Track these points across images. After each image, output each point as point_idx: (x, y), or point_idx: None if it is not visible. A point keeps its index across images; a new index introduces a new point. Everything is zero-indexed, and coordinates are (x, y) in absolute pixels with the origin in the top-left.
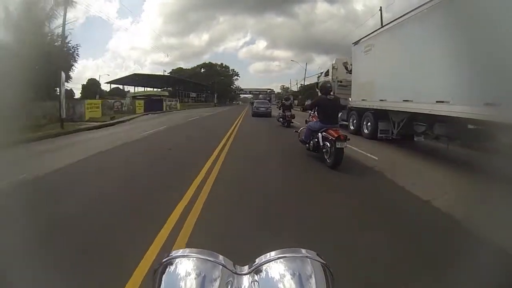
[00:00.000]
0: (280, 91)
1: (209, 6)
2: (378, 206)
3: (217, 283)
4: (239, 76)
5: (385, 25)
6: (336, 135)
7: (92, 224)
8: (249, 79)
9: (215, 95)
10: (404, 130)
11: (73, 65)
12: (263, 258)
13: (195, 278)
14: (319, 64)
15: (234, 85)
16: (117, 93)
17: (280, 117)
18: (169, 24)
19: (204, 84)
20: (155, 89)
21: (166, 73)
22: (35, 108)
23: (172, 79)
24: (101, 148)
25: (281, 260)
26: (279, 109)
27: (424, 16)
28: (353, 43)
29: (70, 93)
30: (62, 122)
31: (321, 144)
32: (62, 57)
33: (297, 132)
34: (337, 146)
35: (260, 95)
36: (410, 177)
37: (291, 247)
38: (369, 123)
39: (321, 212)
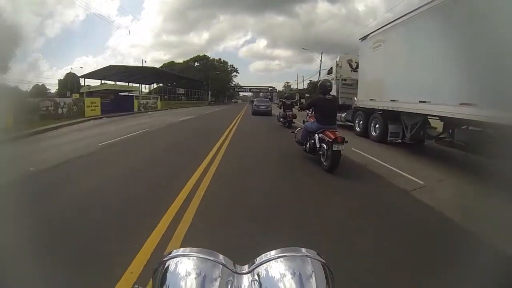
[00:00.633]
0: (282, 89)
1: (209, 4)
2: None
3: (217, 283)
4: (238, 73)
5: (398, 18)
6: (333, 137)
7: None
8: (249, 78)
9: (209, 93)
10: (417, 133)
11: None
12: (263, 257)
13: (195, 278)
14: (318, 64)
15: (233, 82)
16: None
17: (281, 117)
18: (169, 22)
19: (198, 80)
20: (144, 85)
21: (146, 64)
22: None
23: (156, 71)
24: None
25: (281, 259)
26: (280, 108)
27: (446, 7)
28: (360, 39)
29: (42, 89)
30: None
31: (318, 146)
32: None
33: (293, 132)
34: (334, 149)
35: (261, 93)
36: None
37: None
38: (377, 125)
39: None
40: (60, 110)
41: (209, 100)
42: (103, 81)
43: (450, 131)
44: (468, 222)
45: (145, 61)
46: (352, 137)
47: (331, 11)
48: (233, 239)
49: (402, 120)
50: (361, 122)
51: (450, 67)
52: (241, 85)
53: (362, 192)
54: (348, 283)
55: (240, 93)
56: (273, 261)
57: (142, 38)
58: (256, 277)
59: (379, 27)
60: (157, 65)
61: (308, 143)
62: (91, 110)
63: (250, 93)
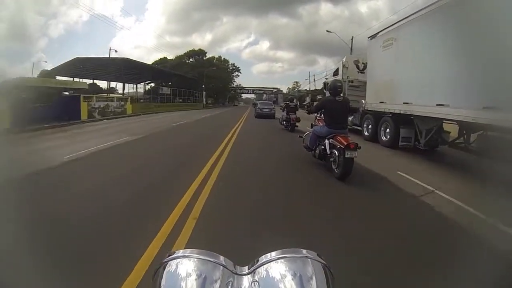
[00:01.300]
0: (287, 90)
1: (212, 6)
2: None
3: (217, 284)
4: (240, 72)
5: (413, 14)
6: (345, 143)
7: None
8: (252, 80)
9: (204, 93)
10: (432, 139)
11: None
12: (263, 258)
13: (195, 279)
14: (322, 67)
15: (234, 83)
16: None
17: (284, 120)
18: (172, 24)
19: (192, 78)
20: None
21: (117, 55)
22: None
23: (132, 64)
24: None
25: (282, 260)
26: (283, 111)
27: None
28: (368, 37)
29: None
30: None
31: (328, 152)
32: None
33: (301, 137)
34: (346, 156)
35: (264, 95)
36: None
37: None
38: (388, 129)
39: None
40: None
41: (204, 102)
42: (75, 79)
43: (466, 136)
44: None
45: (115, 51)
46: (361, 143)
47: (334, 12)
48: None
49: (416, 125)
50: (370, 126)
51: (472, 67)
52: (243, 86)
53: (382, 205)
54: (348, 284)
55: (242, 95)
56: (274, 262)
57: (145, 39)
58: (256, 278)
59: (390, 24)
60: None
61: (317, 149)
62: None
63: (253, 95)
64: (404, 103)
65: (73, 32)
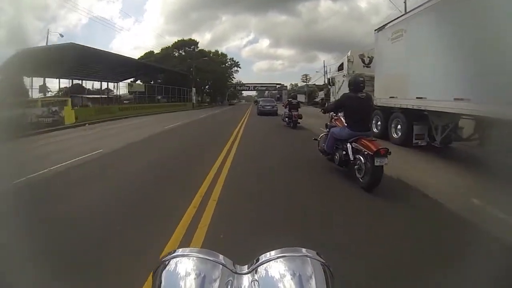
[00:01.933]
0: (291, 86)
1: (210, 5)
2: None
3: (217, 283)
4: (240, 67)
5: (424, 3)
6: (374, 149)
7: None
8: (252, 78)
9: (193, 90)
10: (448, 135)
11: None
12: (263, 257)
13: (195, 278)
14: (321, 63)
15: (233, 79)
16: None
17: (286, 117)
18: (171, 24)
19: (181, 72)
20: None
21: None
22: None
23: (86, 54)
24: None
25: (281, 259)
26: (285, 108)
27: None
28: (375, 30)
29: None
30: None
31: (351, 158)
32: None
33: (316, 139)
34: (376, 164)
35: (266, 92)
36: None
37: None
38: (399, 126)
39: None
40: None
41: (194, 101)
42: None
43: (482, 132)
44: None
45: (62, 35)
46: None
47: (333, 8)
48: None
49: (431, 121)
50: (379, 122)
51: (498, 56)
52: (244, 82)
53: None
54: (348, 283)
55: (243, 92)
56: (273, 261)
57: (145, 39)
58: (256, 277)
59: (398, 16)
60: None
61: (337, 154)
62: None
63: (254, 93)
64: (417, 97)
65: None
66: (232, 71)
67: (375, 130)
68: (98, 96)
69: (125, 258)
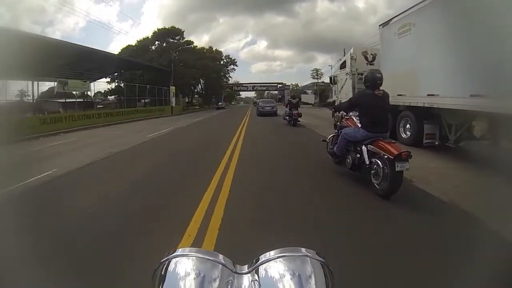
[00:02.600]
0: (292, 86)
1: (207, 7)
2: None
3: (216, 283)
4: (237, 65)
5: None
6: (395, 152)
7: None
8: (251, 79)
9: (172, 90)
10: (461, 134)
11: None
12: (263, 257)
13: (194, 278)
14: (320, 64)
15: (230, 78)
16: None
17: (287, 115)
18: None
19: (160, 67)
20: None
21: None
22: None
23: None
24: None
25: (281, 259)
26: (286, 107)
27: None
28: (380, 25)
29: None
30: None
31: (367, 162)
32: None
33: (325, 141)
34: (396, 169)
35: (266, 93)
36: None
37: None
38: (408, 125)
39: None
40: None
41: (174, 104)
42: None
43: (496, 130)
44: None
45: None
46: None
47: (331, 9)
48: None
49: (443, 120)
50: None
51: None
52: (242, 82)
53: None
54: (348, 282)
55: (241, 92)
56: (273, 261)
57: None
58: (256, 277)
59: (405, 9)
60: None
61: (349, 157)
62: None
63: (253, 94)
64: (428, 95)
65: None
66: (228, 70)
67: None
68: (74, 100)
69: None
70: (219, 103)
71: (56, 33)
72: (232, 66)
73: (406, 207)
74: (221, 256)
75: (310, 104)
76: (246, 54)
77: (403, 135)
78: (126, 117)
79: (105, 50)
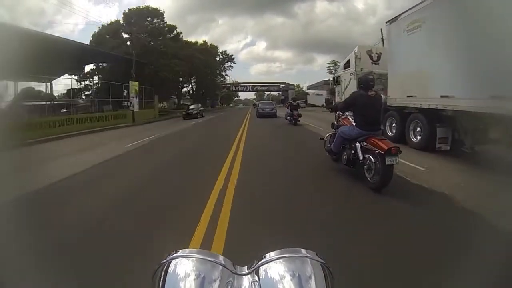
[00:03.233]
0: (294, 86)
1: (206, 7)
2: None
3: (216, 284)
4: (234, 62)
5: None
6: (385, 148)
7: None
8: (250, 81)
9: (133, 90)
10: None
11: None
12: (263, 258)
13: (194, 279)
14: (320, 65)
15: (227, 77)
16: None
17: (288, 116)
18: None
19: (126, 57)
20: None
21: None
22: None
23: None
24: None
25: (281, 260)
26: (287, 108)
27: None
28: (387, 22)
29: None
30: None
31: (360, 157)
32: None
33: (322, 139)
34: (386, 163)
35: (266, 94)
36: None
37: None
38: (418, 128)
39: None
40: None
41: (134, 108)
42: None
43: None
44: None
45: None
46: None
47: (330, 10)
48: None
49: (458, 123)
50: (394, 125)
51: None
52: (240, 82)
53: None
54: (348, 283)
55: (239, 94)
56: (273, 262)
57: None
58: (256, 278)
59: (415, 4)
60: None
61: (345, 154)
62: None
63: (253, 95)
64: (442, 96)
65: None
66: (224, 68)
67: (389, 133)
68: (44, 102)
69: None
70: (189, 109)
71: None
72: (229, 64)
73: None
74: (221, 257)
75: (318, 106)
76: (246, 55)
77: (413, 139)
78: (62, 130)
79: (63, 37)
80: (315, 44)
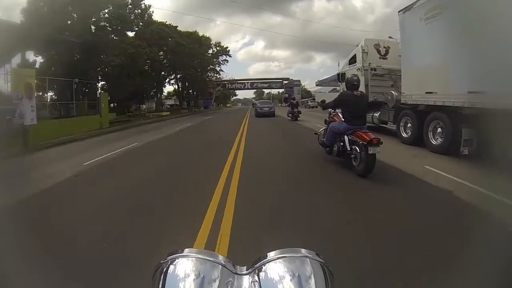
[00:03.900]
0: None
1: (205, 7)
2: None
3: (216, 283)
4: (230, 56)
5: None
6: (368, 139)
7: None
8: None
9: (23, 88)
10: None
11: None
12: (263, 258)
13: (194, 279)
14: (318, 63)
15: (221, 73)
16: None
17: (289, 113)
18: None
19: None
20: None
21: None
22: None
23: None
24: None
25: (281, 260)
26: (288, 107)
27: None
28: (400, 11)
29: None
30: None
31: (348, 148)
32: None
33: (316, 134)
34: (369, 152)
35: (266, 93)
36: None
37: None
38: (439, 129)
39: None
40: None
41: (24, 120)
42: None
43: None
44: None
45: None
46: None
47: (328, 8)
48: None
49: (490, 123)
50: (410, 125)
51: None
52: (239, 79)
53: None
54: (347, 283)
55: (237, 93)
56: (273, 262)
57: None
58: (256, 278)
59: None
60: None
61: (335, 146)
62: None
63: (252, 94)
64: (470, 92)
65: None
66: (219, 62)
67: (404, 134)
68: None
69: None
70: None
71: None
72: (224, 57)
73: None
74: (221, 257)
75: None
76: (244, 55)
77: (433, 142)
78: None
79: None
80: (313, 43)
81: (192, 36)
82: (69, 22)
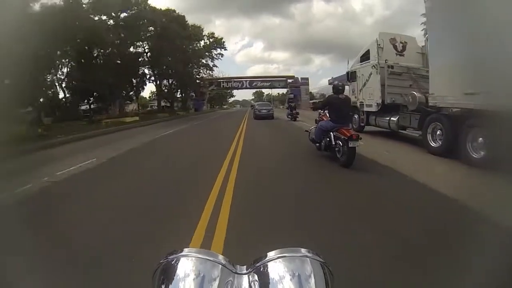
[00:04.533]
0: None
1: (204, 8)
2: None
3: (216, 283)
4: (225, 49)
5: None
6: (348, 135)
7: None
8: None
9: None
10: None
11: None
12: (262, 257)
13: (194, 278)
14: (317, 65)
15: (214, 69)
16: None
17: (289, 114)
18: None
19: None
20: None
21: None
22: None
23: None
24: None
25: (281, 259)
26: (287, 109)
27: None
28: None
29: None
30: None
31: (333, 143)
32: None
33: (307, 131)
34: (349, 146)
35: (265, 94)
36: None
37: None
38: (480, 139)
39: None
40: None
41: None
42: None
43: None
44: None
45: None
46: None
47: (327, 10)
48: None
49: None
50: (439, 132)
51: None
52: (235, 77)
53: None
54: (347, 282)
55: (235, 93)
56: (273, 261)
57: None
58: (255, 277)
59: None
60: None
61: (323, 141)
62: None
63: (251, 94)
64: None
65: None
66: (212, 55)
67: (432, 144)
68: None
69: None
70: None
71: None
72: (218, 51)
73: None
74: (220, 257)
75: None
76: (243, 57)
77: (474, 154)
78: None
79: None
80: (312, 45)
81: (171, 15)
82: None
